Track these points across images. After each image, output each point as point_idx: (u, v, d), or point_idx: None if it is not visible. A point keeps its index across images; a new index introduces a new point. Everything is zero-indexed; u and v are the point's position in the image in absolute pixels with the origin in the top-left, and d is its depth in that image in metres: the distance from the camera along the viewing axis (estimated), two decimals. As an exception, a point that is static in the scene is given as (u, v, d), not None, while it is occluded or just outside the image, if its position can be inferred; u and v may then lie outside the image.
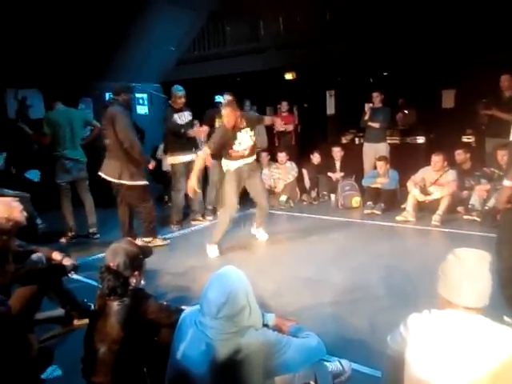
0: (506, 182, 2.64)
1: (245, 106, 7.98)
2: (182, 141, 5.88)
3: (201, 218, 6.34)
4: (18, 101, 7.22)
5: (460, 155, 6.32)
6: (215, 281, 1.83)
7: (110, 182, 5.08)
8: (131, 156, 4.90)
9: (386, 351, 1.80)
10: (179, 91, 5.83)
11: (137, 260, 2.31)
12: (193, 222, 6.27)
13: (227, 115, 4.68)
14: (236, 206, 4.91)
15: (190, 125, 6.00)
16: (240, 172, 4.92)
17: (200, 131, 6.02)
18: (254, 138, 4.93)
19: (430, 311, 1.62)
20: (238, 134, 4.76)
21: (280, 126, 5.97)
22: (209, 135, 6.12)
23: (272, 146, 8.54)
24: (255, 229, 5.42)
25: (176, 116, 5.82)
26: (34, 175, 6.11)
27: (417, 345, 1.56)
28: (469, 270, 1.56)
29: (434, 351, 1.51)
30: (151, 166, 5.27)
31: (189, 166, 5.97)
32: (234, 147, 4.81)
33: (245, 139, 4.82)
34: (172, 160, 5.96)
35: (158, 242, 5.29)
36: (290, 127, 8.60)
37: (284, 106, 8.59)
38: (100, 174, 5.10)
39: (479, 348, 1.46)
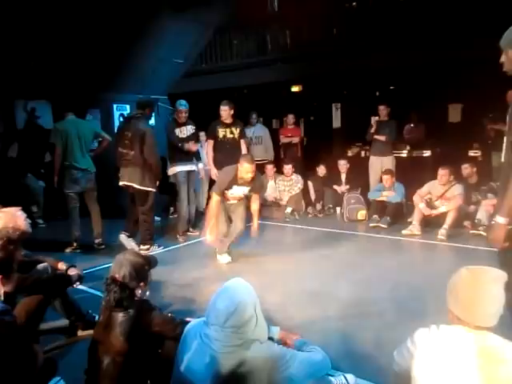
0: (500, 219, 2.21)
1: (251, 118, 8.02)
2: (183, 152, 5.97)
3: (191, 230, 6.35)
4: (26, 112, 7.30)
5: (466, 169, 6.30)
6: (223, 292, 1.84)
7: (127, 190, 5.38)
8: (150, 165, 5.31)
9: (392, 366, 1.79)
10: (182, 106, 5.94)
11: (142, 271, 2.31)
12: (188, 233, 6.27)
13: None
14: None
15: (192, 138, 6.07)
16: None
17: (192, 146, 6.01)
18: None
19: (437, 327, 1.60)
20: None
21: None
22: (214, 147, 6.22)
23: (278, 158, 8.56)
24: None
25: (177, 130, 5.93)
26: None
27: (424, 360, 1.55)
28: (483, 290, 1.54)
29: (441, 368, 1.50)
30: None
31: (189, 175, 6.04)
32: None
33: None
34: (173, 170, 6.05)
35: (155, 248, 5.52)
36: (296, 139, 8.62)
37: (290, 118, 8.61)
38: (123, 182, 5.38)
39: (488, 366, 1.44)
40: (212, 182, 6.95)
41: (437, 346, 1.54)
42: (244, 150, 6.37)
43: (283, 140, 8.65)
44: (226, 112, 6.13)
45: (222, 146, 6.20)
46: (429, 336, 1.59)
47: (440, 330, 1.58)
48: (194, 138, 6.15)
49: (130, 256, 2.33)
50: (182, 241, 5.96)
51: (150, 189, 5.37)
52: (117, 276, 2.22)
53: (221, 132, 6.19)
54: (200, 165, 6.42)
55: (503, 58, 2.27)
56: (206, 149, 6.41)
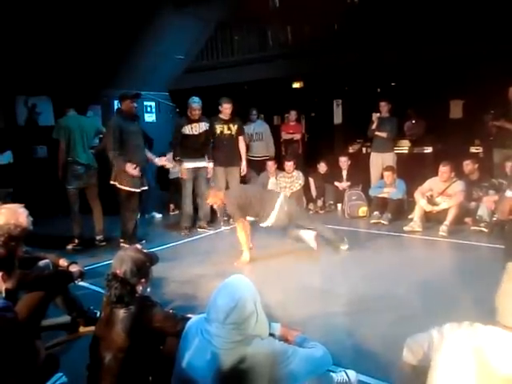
0: (509, 193, 2.61)
1: (251, 114, 8.02)
2: (191, 149, 5.96)
3: (205, 226, 6.36)
4: (27, 108, 7.30)
5: (468, 166, 6.27)
6: (224, 288, 1.84)
7: None
8: (119, 160, 5.20)
9: (402, 355, 1.75)
10: (195, 103, 5.92)
11: (143, 267, 2.31)
12: (199, 229, 6.30)
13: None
14: None
15: (204, 134, 6.07)
16: None
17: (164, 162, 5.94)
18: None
19: (471, 324, 1.55)
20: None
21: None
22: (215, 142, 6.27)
23: (279, 154, 8.55)
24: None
25: (188, 127, 5.92)
26: (6, 158, 6.15)
27: (452, 356, 1.50)
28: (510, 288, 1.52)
29: (469, 366, 1.44)
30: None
31: (196, 172, 6.04)
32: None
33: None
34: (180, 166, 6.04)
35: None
36: (298, 136, 8.61)
37: (292, 115, 8.59)
38: None
39: None
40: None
41: (467, 343, 1.48)
42: (242, 147, 6.41)
43: (285, 136, 8.64)
44: (228, 109, 6.19)
45: (219, 142, 6.24)
46: (460, 332, 1.54)
47: (473, 328, 1.54)
48: (207, 134, 6.13)
49: (131, 252, 2.33)
50: (186, 237, 5.98)
51: (116, 184, 5.30)
52: (118, 272, 2.22)
53: (218, 128, 6.23)
54: (211, 164, 6.30)
55: None
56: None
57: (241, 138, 6.43)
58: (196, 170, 6.07)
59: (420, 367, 1.57)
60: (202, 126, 6.01)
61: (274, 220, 4.86)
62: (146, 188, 5.56)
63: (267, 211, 4.82)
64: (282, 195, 5.06)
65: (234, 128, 6.31)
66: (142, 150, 5.48)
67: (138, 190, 5.40)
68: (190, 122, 5.94)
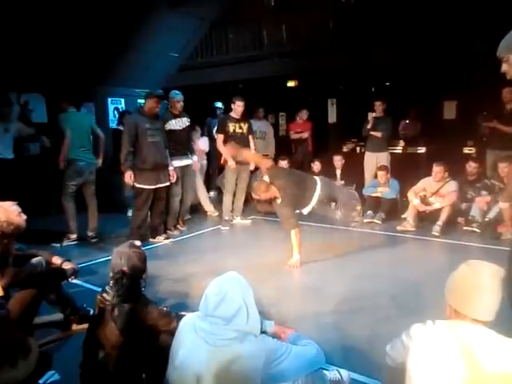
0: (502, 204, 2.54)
1: (259, 112, 8.08)
2: (177, 145, 5.91)
3: (180, 225, 6.34)
4: (20, 105, 7.24)
5: (471, 167, 6.26)
6: (215, 282, 1.86)
7: None
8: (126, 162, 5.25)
9: (385, 361, 1.80)
10: (177, 96, 5.88)
11: (145, 263, 2.32)
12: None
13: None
14: None
15: (187, 130, 6.06)
16: None
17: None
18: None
19: (433, 322, 1.61)
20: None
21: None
22: (224, 141, 6.29)
23: (289, 153, 8.54)
24: None
25: (173, 121, 5.86)
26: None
27: (419, 355, 1.56)
28: (483, 283, 1.57)
29: (436, 362, 1.51)
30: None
31: (184, 170, 6.02)
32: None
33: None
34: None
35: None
36: (306, 134, 8.62)
37: (304, 113, 8.62)
38: None
39: (484, 360, 1.46)
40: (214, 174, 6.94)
41: (433, 341, 1.55)
42: (252, 146, 6.49)
43: (293, 136, 8.66)
44: (241, 107, 6.23)
45: (232, 141, 6.24)
46: (425, 331, 1.60)
47: (436, 325, 1.60)
48: (189, 130, 6.14)
49: (131, 248, 2.32)
50: (176, 234, 5.97)
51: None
52: (125, 269, 2.21)
53: (231, 126, 6.26)
54: (194, 157, 6.39)
55: (505, 67, 2.23)
56: (217, 143, 6.45)
57: (250, 137, 6.49)
58: (183, 168, 6.04)
59: (402, 370, 1.62)
60: (185, 121, 5.97)
61: (314, 203, 4.75)
62: (164, 185, 5.55)
63: (308, 198, 4.72)
64: (319, 180, 4.88)
65: (245, 127, 6.36)
66: (158, 147, 5.42)
67: (153, 187, 5.38)
68: (174, 116, 5.88)
